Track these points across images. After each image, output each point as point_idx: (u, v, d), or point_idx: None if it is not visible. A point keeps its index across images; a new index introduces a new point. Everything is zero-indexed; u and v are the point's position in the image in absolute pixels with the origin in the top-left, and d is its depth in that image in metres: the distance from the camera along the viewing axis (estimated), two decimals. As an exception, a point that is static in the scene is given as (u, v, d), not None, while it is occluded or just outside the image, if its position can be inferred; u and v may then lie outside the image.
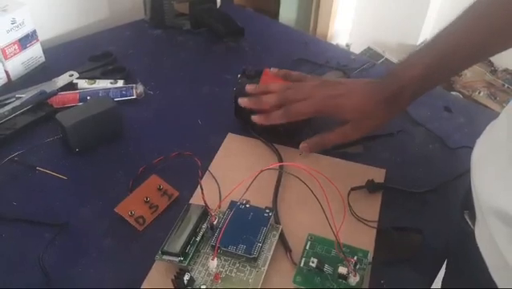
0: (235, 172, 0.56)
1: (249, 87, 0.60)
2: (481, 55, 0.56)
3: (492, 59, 1.66)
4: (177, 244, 0.47)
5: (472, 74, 1.63)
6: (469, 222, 0.44)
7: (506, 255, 0.36)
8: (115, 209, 0.53)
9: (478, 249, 0.41)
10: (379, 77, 0.57)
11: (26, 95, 0.67)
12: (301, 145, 0.58)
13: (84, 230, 0.52)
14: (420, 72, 0.52)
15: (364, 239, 0.50)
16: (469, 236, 0.42)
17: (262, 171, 0.48)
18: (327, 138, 0.57)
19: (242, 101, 0.59)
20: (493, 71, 1.63)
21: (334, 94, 0.55)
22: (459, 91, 1.55)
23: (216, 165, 0.59)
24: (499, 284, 0.38)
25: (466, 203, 0.45)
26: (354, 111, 0.55)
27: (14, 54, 0.70)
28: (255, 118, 0.58)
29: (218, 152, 0.62)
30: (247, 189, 0.48)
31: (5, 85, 0.71)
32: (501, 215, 0.36)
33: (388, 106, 0.54)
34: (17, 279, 0.47)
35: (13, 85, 0.71)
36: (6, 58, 0.69)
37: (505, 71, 1.63)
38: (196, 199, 0.54)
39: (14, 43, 0.70)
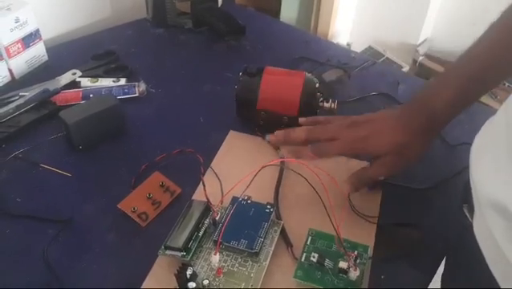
0: (237, 168, 0.57)
1: (301, 120, 0.58)
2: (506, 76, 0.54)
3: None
4: (180, 239, 0.47)
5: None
6: (468, 216, 0.44)
7: (504, 248, 0.37)
8: (118, 206, 0.53)
9: (476, 242, 0.41)
10: (405, 105, 0.55)
11: (29, 93, 0.68)
12: (349, 186, 0.53)
13: (88, 226, 0.53)
14: (452, 97, 0.50)
15: (364, 235, 0.50)
16: (468, 229, 0.43)
17: (263, 167, 0.48)
18: (366, 173, 0.54)
19: (271, 137, 0.58)
20: (494, 70, 1.64)
21: (361, 136, 0.52)
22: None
23: (218, 162, 0.60)
24: (497, 277, 0.39)
25: (465, 197, 0.45)
26: (386, 149, 0.52)
27: (18, 52, 0.71)
28: (271, 137, 0.58)
29: (220, 149, 0.62)
30: (249, 185, 0.49)
31: (8, 83, 0.71)
32: (499, 208, 0.37)
33: (421, 136, 0.51)
34: (21, 275, 0.48)
35: (16, 83, 0.72)
36: (9, 56, 0.70)
37: (506, 69, 1.63)
38: (198, 195, 0.55)
39: (17, 42, 0.70)
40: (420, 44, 1.75)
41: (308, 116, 0.60)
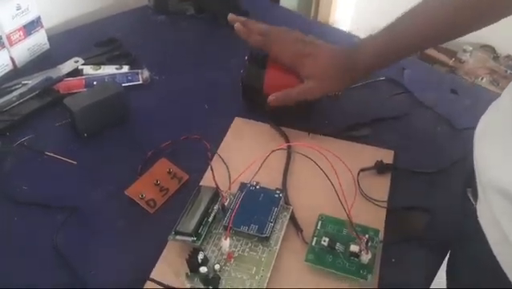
0: (244, 155, 0.56)
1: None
2: (439, 37, 0.59)
3: (494, 45, 1.66)
4: (190, 224, 0.47)
5: (474, 60, 1.63)
6: (472, 200, 0.44)
7: (508, 232, 0.37)
8: (126, 192, 0.53)
9: (480, 226, 0.41)
10: (344, 46, 0.62)
11: (32, 81, 0.67)
12: (269, 98, 0.61)
13: (95, 213, 0.52)
14: (374, 51, 0.58)
15: (374, 219, 0.50)
16: (472, 213, 0.43)
17: (273, 151, 0.48)
18: (291, 93, 0.60)
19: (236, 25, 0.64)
20: (496, 58, 1.63)
21: (303, 53, 0.60)
22: (461, 78, 1.55)
23: (224, 149, 0.60)
24: (500, 259, 0.39)
25: (469, 181, 0.45)
26: (316, 72, 0.59)
27: (19, 40, 0.70)
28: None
29: (226, 135, 0.62)
30: (258, 171, 0.48)
31: (10, 72, 0.71)
32: (503, 192, 0.37)
33: (345, 73, 0.59)
34: (31, 261, 0.48)
35: (18, 72, 0.71)
36: (11, 44, 0.69)
37: (508, 57, 1.63)
38: (206, 181, 0.55)
39: (19, 30, 0.69)
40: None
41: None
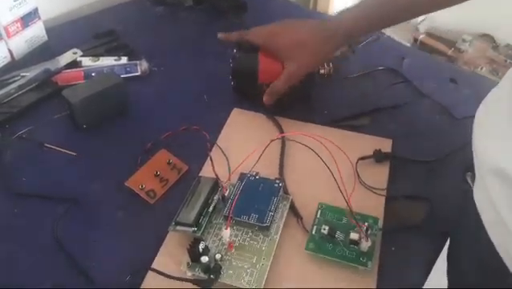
0: (243, 145, 0.56)
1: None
2: (412, 11, 0.60)
3: (494, 34, 1.65)
4: (190, 215, 0.47)
5: (474, 50, 1.62)
6: (470, 183, 0.44)
7: (503, 214, 0.37)
8: (126, 183, 0.53)
9: (477, 209, 0.41)
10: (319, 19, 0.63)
11: (30, 73, 0.67)
12: (265, 99, 0.61)
13: (96, 204, 0.53)
14: (353, 16, 0.59)
15: (374, 207, 0.50)
16: (470, 197, 0.43)
17: (272, 141, 0.48)
18: (277, 85, 0.60)
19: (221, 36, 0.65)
20: (495, 47, 1.63)
21: (275, 31, 0.60)
22: (461, 67, 1.55)
23: (223, 139, 0.60)
24: (494, 240, 0.39)
25: (469, 166, 0.45)
26: (292, 49, 0.58)
27: (17, 32, 0.70)
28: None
29: (225, 126, 0.62)
30: (258, 161, 0.48)
31: (8, 64, 0.70)
32: (500, 174, 0.37)
33: (325, 43, 0.59)
34: (32, 252, 0.48)
35: (16, 64, 0.70)
36: (9, 36, 0.69)
37: (508, 46, 1.62)
38: (205, 172, 0.55)
39: (16, 21, 0.69)
40: (420, 22, 1.73)
41: (308, 82, 0.62)
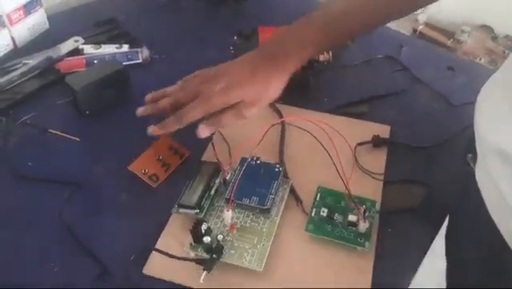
0: (244, 131, 0.57)
1: (147, 97, 0.57)
2: (373, 22, 0.56)
3: (493, 25, 1.65)
4: (193, 197, 0.48)
5: (472, 41, 1.63)
6: (471, 164, 0.45)
7: (506, 193, 0.38)
8: (129, 167, 0.54)
9: (478, 189, 0.43)
10: (260, 48, 0.55)
11: (32, 60, 0.67)
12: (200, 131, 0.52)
13: (100, 188, 0.54)
14: (309, 37, 0.52)
15: (372, 191, 0.52)
16: (471, 177, 0.44)
17: (273, 125, 0.49)
18: (223, 118, 0.52)
19: (139, 111, 0.56)
20: (494, 38, 1.63)
21: (219, 88, 0.51)
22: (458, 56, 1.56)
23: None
24: (496, 220, 0.40)
25: (469, 148, 0.46)
26: (248, 96, 0.51)
27: (19, 19, 0.70)
28: (150, 129, 0.54)
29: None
30: (258, 145, 0.49)
31: (11, 52, 0.71)
32: (502, 155, 0.38)
33: (277, 76, 0.52)
34: (38, 234, 0.49)
35: (19, 52, 0.71)
36: (11, 23, 0.69)
37: (506, 37, 1.63)
38: (207, 157, 0.56)
39: (19, 9, 0.69)
40: (419, 13, 1.73)
41: (308, 69, 0.62)
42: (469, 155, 0.46)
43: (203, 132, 0.52)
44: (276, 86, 0.52)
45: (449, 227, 0.53)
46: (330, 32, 0.53)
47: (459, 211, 0.51)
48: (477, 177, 0.43)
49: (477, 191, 0.43)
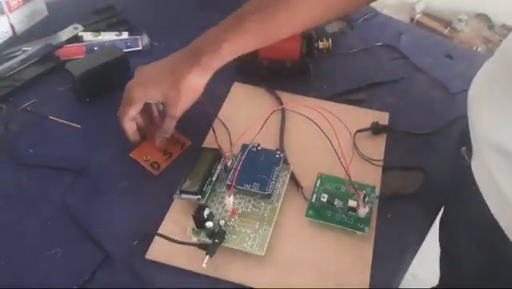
0: (244, 118, 0.58)
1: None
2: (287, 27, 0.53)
3: (490, 14, 1.66)
4: (195, 183, 0.49)
5: (469, 30, 1.63)
6: (466, 157, 0.46)
7: (502, 185, 0.39)
8: (131, 154, 0.55)
9: (475, 182, 0.43)
10: (176, 53, 0.55)
11: (32, 48, 0.67)
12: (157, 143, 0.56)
13: (102, 174, 0.54)
14: (226, 40, 0.52)
15: (371, 177, 0.52)
16: (466, 170, 0.45)
17: (274, 111, 0.50)
18: (164, 130, 0.55)
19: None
20: (491, 27, 1.63)
21: (130, 87, 0.53)
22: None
23: (224, 113, 0.61)
24: (493, 211, 0.41)
25: (463, 140, 0.47)
26: (158, 94, 0.52)
27: (18, 6, 0.70)
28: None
29: (226, 100, 0.63)
30: (259, 132, 0.50)
31: (10, 39, 0.71)
32: (497, 146, 0.39)
33: (186, 67, 0.52)
34: (41, 219, 0.50)
35: (18, 39, 0.71)
36: (10, 10, 0.69)
37: (503, 26, 1.63)
38: (208, 143, 0.56)
39: (17, -5, 0.69)
40: (417, 1, 1.73)
41: (308, 57, 0.63)
42: (463, 148, 0.46)
43: (159, 144, 0.55)
44: (194, 82, 0.52)
45: (443, 216, 0.54)
46: (239, 31, 0.52)
47: (454, 201, 0.52)
48: (473, 169, 0.44)
49: (473, 183, 0.43)
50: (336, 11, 0.54)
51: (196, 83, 0.52)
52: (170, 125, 0.54)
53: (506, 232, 0.40)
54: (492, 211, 0.41)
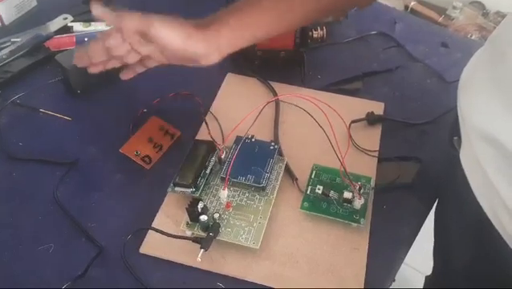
0: (237, 110, 0.56)
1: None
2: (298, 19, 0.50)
3: (484, 1, 1.65)
4: (188, 176, 0.48)
5: (464, 17, 1.62)
6: (457, 148, 0.45)
7: (491, 177, 0.38)
8: (121, 150, 0.54)
9: (463, 170, 0.43)
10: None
11: (21, 39, 0.66)
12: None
13: (94, 168, 0.53)
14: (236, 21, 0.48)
15: (366, 168, 0.52)
16: (457, 160, 0.45)
17: (268, 102, 0.49)
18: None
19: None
20: (485, 14, 1.63)
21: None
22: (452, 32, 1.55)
23: (218, 104, 0.60)
24: (481, 201, 0.41)
25: (456, 130, 0.47)
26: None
27: (6, -4, 0.68)
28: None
29: (219, 91, 0.62)
30: (253, 123, 0.49)
31: (-2, 30, 0.69)
32: (486, 137, 0.38)
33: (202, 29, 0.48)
34: (33, 214, 0.49)
35: (6, 30, 0.69)
36: (-3, 0, 0.67)
37: (497, 13, 1.62)
38: (201, 136, 0.56)
39: (4, -15, 0.68)
40: None
41: (302, 46, 0.62)
42: (455, 138, 0.46)
43: (126, 75, 0.52)
44: (215, 48, 0.48)
45: (437, 208, 0.54)
46: (236, 21, 0.49)
47: (447, 193, 0.51)
48: (462, 159, 0.43)
49: (464, 175, 0.43)
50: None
51: (216, 50, 0.48)
52: (145, 50, 0.49)
53: (493, 222, 0.40)
54: (479, 201, 0.41)
